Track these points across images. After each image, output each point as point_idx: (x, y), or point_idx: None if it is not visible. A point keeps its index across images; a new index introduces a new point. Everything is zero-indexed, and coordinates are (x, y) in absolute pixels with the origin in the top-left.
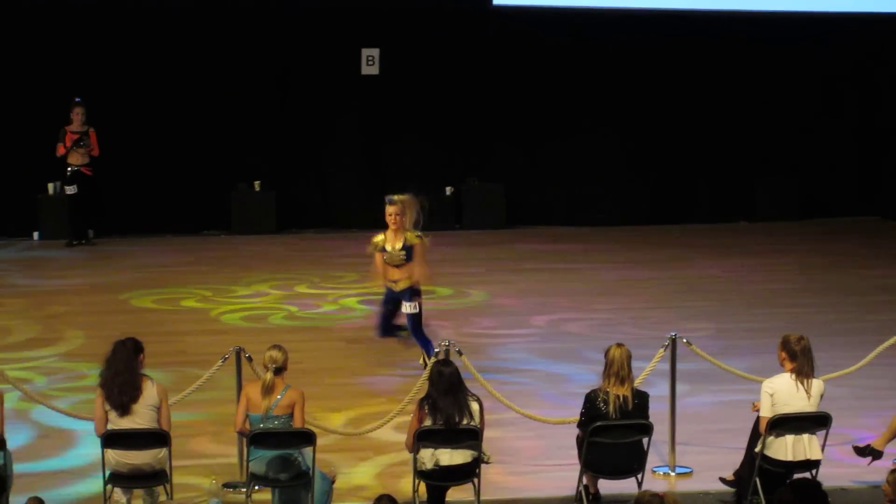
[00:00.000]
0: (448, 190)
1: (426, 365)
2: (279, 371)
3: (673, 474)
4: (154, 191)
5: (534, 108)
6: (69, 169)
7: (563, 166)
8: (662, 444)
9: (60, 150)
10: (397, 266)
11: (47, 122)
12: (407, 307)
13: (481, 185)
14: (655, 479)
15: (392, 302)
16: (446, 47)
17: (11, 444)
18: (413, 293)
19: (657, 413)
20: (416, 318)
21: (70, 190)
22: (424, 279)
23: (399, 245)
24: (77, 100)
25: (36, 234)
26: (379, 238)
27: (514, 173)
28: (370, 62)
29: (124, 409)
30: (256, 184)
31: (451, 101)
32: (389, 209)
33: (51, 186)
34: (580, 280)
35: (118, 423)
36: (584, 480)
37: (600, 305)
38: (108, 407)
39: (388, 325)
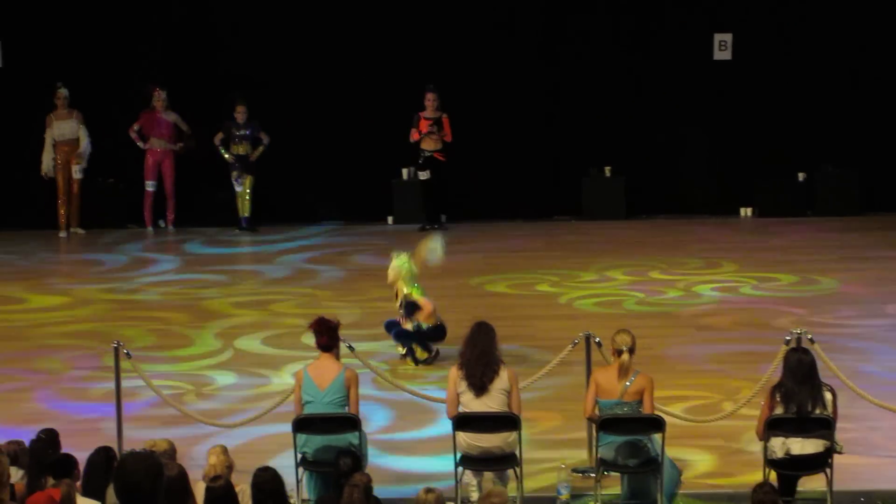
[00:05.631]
0: (800, 176)
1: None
2: (631, 352)
3: None
4: (505, 176)
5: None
6: (422, 154)
7: None
8: None
9: (414, 136)
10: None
11: (401, 108)
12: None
13: (835, 171)
14: None
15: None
16: (799, 30)
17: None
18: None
19: None
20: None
21: (423, 175)
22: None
23: (397, 303)
24: (430, 86)
25: (390, 219)
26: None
27: (870, 158)
28: (723, 47)
29: (482, 390)
30: (607, 169)
31: (805, 85)
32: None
33: (405, 172)
34: None
35: (470, 405)
36: None
37: None
38: (461, 388)
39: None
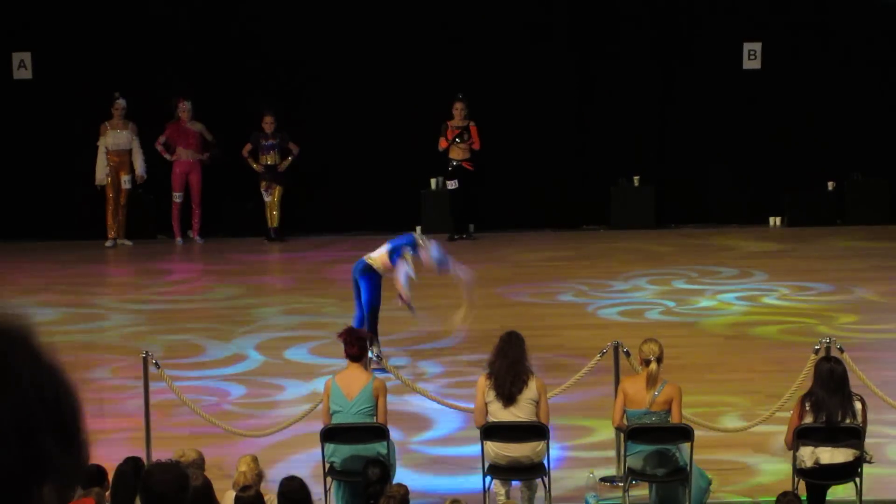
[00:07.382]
0: (830, 185)
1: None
2: (659, 361)
3: None
4: (534, 185)
5: None
6: (450, 164)
7: None
8: None
9: (443, 145)
10: None
11: (430, 118)
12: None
13: (865, 180)
14: None
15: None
16: (828, 39)
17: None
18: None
19: None
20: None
21: (451, 185)
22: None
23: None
24: (458, 95)
25: (418, 228)
26: None
27: None
28: (752, 56)
29: (510, 400)
30: (636, 178)
31: (834, 94)
32: None
33: (433, 181)
34: None
35: (498, 415)
36: None
37: None
38: (489, 398)
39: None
